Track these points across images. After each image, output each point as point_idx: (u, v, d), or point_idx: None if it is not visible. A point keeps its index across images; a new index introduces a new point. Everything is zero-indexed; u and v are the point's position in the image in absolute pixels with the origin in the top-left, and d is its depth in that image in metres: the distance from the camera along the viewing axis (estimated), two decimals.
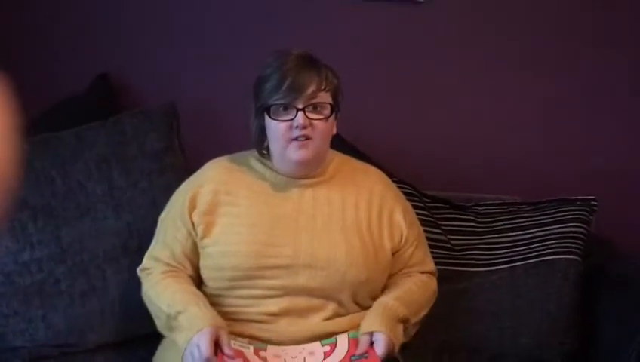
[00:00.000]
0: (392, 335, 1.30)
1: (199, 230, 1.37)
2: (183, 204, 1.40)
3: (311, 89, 1.33)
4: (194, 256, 1.39)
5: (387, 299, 1.38)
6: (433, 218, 1.71)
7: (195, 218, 1.38)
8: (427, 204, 1.74)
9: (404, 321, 1.36)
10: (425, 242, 1.53)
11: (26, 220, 1.51)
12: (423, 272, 1.47)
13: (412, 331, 1.41)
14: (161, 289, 1.35)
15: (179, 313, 1.29)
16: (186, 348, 1.24)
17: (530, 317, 1.59)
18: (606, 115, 1.99)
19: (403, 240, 1.44)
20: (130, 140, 1.63)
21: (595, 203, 1.70)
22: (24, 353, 1.47)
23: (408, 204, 1.53)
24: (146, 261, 1.42)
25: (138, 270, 1.43)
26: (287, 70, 1.33)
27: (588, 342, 1.58)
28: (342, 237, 1.37)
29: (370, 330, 1.30)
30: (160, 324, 1.35)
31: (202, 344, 1.21)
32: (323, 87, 1.35)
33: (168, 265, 1.39)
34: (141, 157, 1.62)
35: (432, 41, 1.98)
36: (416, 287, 1.43)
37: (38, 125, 1.74)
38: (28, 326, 1.48)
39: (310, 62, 1.35)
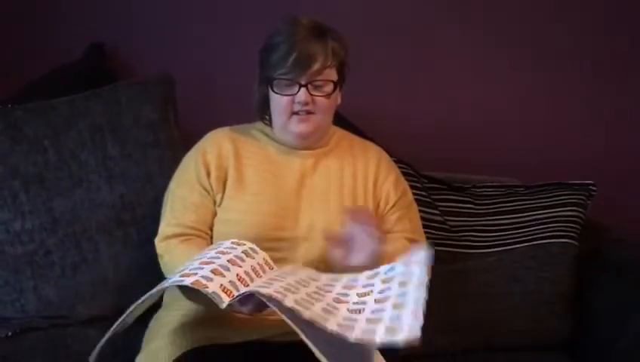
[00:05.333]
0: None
1: (217, 198, 1.35)
2: (198, 170, 1.37)
3: (316, 66, 1.32)
4: (213, 219, 1.35)
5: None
6: (430, 199, 1.70)
7: (213, 184, 1.35)
8: (425, 185, 1.72)
9: None
10: (417, 216, 1.49)
11: (18, 189, 1.48)
12: (409, 239, 1.42)
13: None
14: (182, 256, 1.26)
15: None
16: None
17: (526, 300, 1.59)
18: (606, 99, 1.98)
19: (390, 205, 1.42)
20: (124, 111, 1.60)
21: (594, 187, 1.70)
22: (15, 324, 1.45)
23: (402, 178, 1.50)
24: (168, 228, 1.35)
25: (158, 240, 1.36)
26: (295, 42, 1.31)
27: (583, 325, 1.58)
28: (338, 208, 1.36)
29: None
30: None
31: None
32: (329, 64, 1.33)
33: (193, 228, 1.34)
34: (136, 128, 1.59)
35: (433, 22, 1.95)
36: (393, 249, 1.36)
37: (31, 92, 1.71)
38: (19, 297, 1.46)
39: (319, 34, 1.34)
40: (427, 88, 1.98)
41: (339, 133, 1.48)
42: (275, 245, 1.31)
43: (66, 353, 1.41)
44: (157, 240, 1.36)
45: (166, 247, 1.35)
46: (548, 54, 1.97)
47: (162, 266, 1.35)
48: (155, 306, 1.39)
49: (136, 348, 1.34)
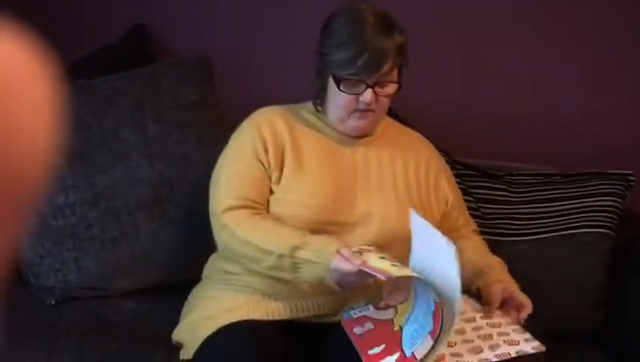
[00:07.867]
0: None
1: (273, 176, 1.32)
2: (255, 145, 1.32)
3: (386, 67, 1.29)
4: (269, 195, 1.33)
5: (494, 258, 1.41)
6: (465, 185, 1.69)
7: (271, 160, 1.32)
8: (459, 171, 1.72)
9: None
10: (464, 204, 1.52)
11: (62, 164, 1.52)
12: (473, 231, 1.49)
13: None
14: (259, 229, 1.25)
15: (295, 248, 1.21)
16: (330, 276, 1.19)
17: (559, 289, 1.58)
18: None
19: (449, 204, 1.44)
20: (164, 90, 1.63)
21: (632, 177, 1.67)
22: (57, 292, 1.49)
23: (449, 168, 1.53)
24: (230, 200, 1.29)
25: (220, 210, 1.29)
26: (365, 42, 1.27)
27: (616, 317, 1.56)
28: (393, 196, 1.36)
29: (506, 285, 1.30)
30: (265, 266, 1.25)
31: (345, 265, 1.16)
32: (397, 63, 1.32)
33: (255, 202, 1.30)
34: (175, 108, 1.62)
35: (475, 10, 1.93)
36: (484, 247, 1.47)
37: (73, 73, 1.74)
38: (61, 268, 1.50)
39: (387, 30, 1.29)
40: (463, 76, 1.97)
41: (384, 120, 1.45)
42: (331, 228, 1.30)
43: (105, 323, 1.45)
44: (220, 210, 1.29)
45: (233, 218, 1.28)
46: (586, 42, 1.93)
47: (227, 235, 1.28)
48: (194, 280, 1.42)
49: (173, 321, 1.37)
